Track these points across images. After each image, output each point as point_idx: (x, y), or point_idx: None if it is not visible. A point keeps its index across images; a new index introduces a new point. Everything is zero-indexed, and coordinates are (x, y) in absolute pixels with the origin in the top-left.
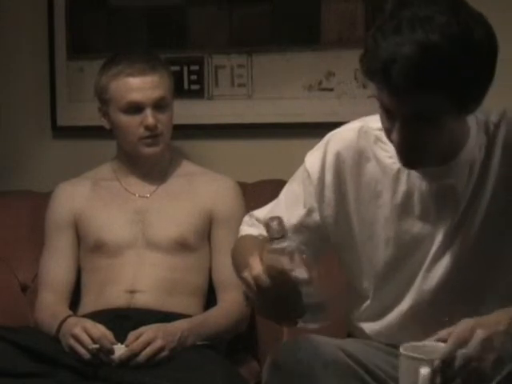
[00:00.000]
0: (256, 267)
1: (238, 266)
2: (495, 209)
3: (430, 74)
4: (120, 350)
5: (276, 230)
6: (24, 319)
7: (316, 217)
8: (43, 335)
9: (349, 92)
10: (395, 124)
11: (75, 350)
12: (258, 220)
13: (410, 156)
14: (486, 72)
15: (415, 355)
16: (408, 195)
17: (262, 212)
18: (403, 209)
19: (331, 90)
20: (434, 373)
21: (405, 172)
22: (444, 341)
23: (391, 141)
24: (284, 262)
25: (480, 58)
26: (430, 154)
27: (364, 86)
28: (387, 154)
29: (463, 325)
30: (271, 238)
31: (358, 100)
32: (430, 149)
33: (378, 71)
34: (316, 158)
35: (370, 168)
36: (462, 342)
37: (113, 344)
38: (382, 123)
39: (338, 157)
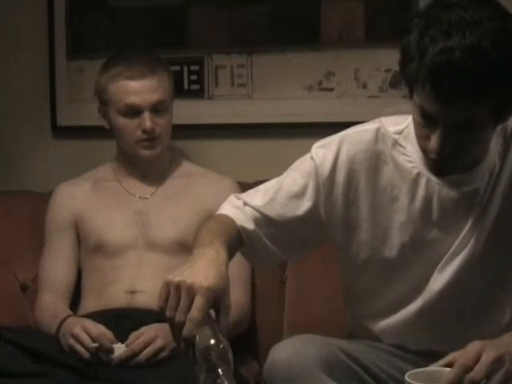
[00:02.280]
0: (199, 308)
1: (197, 242)
2: (506, 210)
3: (480, 82)
4: (120, 349)
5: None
6: (24, 319)
7: (321, 212)
8: (43, 335)
9: (349, 92)
10: (435, 132)
11: (75, 349)
12: (246, 204)
13: (445, 165)
14: None
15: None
16: (427, 201)
17: (255, 198)
18: (421, 214)
19: (331, 90)
20: None
21: (424, 177)
22: (450, 365)
23: (426, 149)
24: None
25: None
26: (462, 163)
27: (364, 86)
28: (406, 157)
29: (470, 348)
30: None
31: (358, 100)
32: (464, 158)
33: (426, 78)
34: (327, 154)
35: (387, 172)
36: (468, 367)
37: (112, 343)
38: (417, 129)
39: (353, 160)
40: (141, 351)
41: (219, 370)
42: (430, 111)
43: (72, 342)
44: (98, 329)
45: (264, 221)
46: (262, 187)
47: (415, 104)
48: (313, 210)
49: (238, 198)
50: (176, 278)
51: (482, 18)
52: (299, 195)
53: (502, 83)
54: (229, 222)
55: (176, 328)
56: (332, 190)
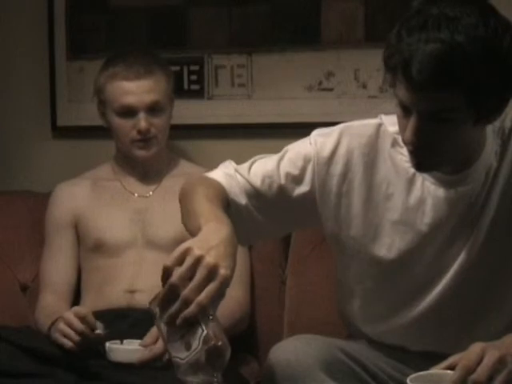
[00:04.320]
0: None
1: (199, 208)
2: (503, 212)
3: (450, 72)
4: (137, 352)
5: None
6: (24, 319)
7: (316, 198)
8: (43, 335)
9: (349, 92)
10: (410, 122)
11: (63, 332)
12: (241, 175)
13: (421, 156)
14: (509, 81)
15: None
16: (421, 201)
17: (252, 177)
18: (414, 214)
19: (331, 90)
20: None
21: (420, 177)
22: (452, 368)
23: (404, 140)
24: None
25: (505, 66)
26: (442, 157)
27: (364, 86)
28: (404, 157)
29: (471, 350)
30: None
31: (358, 100)
32: (442, 152)
33: (398, 65)
34: (327, 143)
35: (384, 169)
36: (471, 369)
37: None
38: (398, 122)
39: (352, 153)
40: (162, 354)
41: (214, 375)
42: (403, 99)
43: (62, 325)
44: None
45: (257, 197)
46: (259, 166)
47: (394, 94)
48: (309, 195)
49: (236, 171)
50: (198, 250)
51: (461, 13)
52: (296, 178)
53: (475, 76)
54: (222, 190)
55: (180, 301)
56: (326, 180)
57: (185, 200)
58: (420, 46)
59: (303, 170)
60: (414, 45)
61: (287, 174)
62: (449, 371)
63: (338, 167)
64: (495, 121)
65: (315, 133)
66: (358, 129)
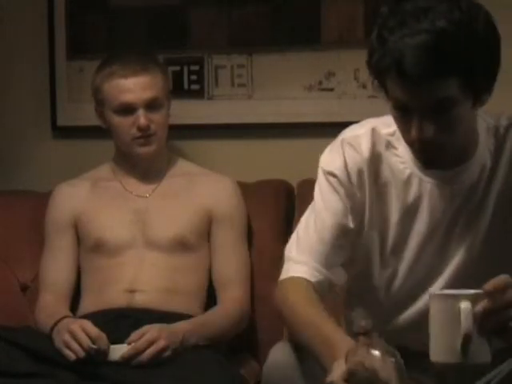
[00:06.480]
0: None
1: (313, 344)
2: (501, 212)
3: (442, 58)
4: (122, 349)
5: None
6: (24, 319)
7: (354, 220)
8: (43, 335)
9: (349, 92)
10: (412, 121)
11: (69, 345)
12: (297, 261)
13: (429, 152)
14: (492, 57)
15: (452, 292)
16: (418, 200)
17: (305, 251)
18: (412, 214)
19: (331, 90)
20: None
21: (416, 178)
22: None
23: (409, 141)
24: (374, 360)
25: (486, 43)
26: (447, 150)
27: (364, 86)
28: (398, 159)
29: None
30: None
31: (358, 100)
32: (447, 144)
33: (390, 66)
34: (336, 159)
35: (384, 172)
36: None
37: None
38: (398, 125)
39: (359, 164)
40: (144, 350)
41: None
42: (402, 100)
43: (67, 337)
44: (96, 330)
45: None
46: (314, 243)
47: (389, 98)
48: (353, 222)
49: (297, 262)
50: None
51: (434, 3)
52: (339, 210)
53: (464, 58)
54: (313, 288)
55: None
56: (353, 190)
57: (294, 317)
58: (407, 41)
59: (337, 200)
60: (400, 41)
61: (332, 215)
62: (473, 290)
63: (353, 174)
64: (487, 101)
65: (323, 158)
66: (356, 140)
